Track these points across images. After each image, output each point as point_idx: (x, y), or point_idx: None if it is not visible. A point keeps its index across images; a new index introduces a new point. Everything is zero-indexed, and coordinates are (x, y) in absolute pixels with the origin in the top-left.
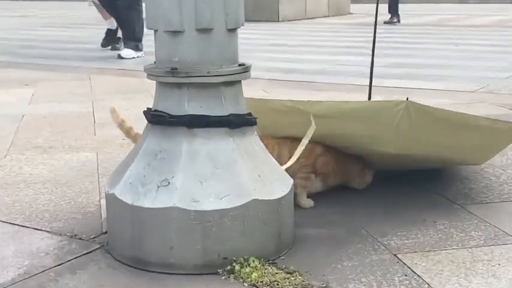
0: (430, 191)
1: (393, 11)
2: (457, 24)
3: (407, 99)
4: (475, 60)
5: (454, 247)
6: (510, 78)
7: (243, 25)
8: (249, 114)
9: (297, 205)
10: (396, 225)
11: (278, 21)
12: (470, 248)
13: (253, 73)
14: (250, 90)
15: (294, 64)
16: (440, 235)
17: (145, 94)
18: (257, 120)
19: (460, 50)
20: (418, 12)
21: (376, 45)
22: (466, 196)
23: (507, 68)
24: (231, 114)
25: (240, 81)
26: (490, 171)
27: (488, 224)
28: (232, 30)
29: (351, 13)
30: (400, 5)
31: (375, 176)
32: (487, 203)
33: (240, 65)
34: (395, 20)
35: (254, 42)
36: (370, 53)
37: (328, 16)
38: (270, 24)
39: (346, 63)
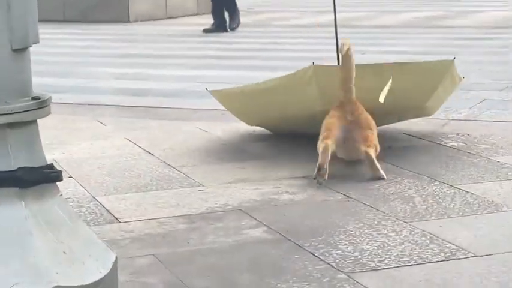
0: (307, 255)
1: (218, 15)
2: (367, 24)
3: (313, 63)
4: None
5: None
6: None
7: (37, 42)
8: (50, 166)
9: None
10: None
11: (129, 21)
12: None
13: (90, 97)
14: (81, 121)
15: (146, 83)
16: None
17: None
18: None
19: (367, 59)
20: (316, 9)
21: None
22: (356, 261)
23: None
24: (21, 168)
25: (35, 121)
26: (389, 224)
27: None
28: (21, 51)
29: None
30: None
31: (223, 233)
32: (382, 269)
33: (34, 98)
34: (221, 29)
35: (94, 53)
36: (245, 65)
37: (198, 14)
38: (117, 26)
39: (212, 80)
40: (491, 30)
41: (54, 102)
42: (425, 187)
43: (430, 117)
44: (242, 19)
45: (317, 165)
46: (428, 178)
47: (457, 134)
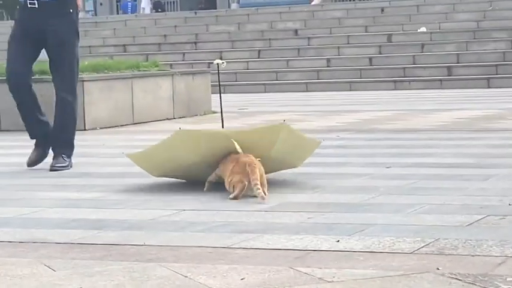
0: None
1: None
2: (393, 127)
3: (179, 128)
4: (418, 193)
5: None
6: (474, 226)
7: None
8: None
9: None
10: None
11: (84, 129)
12: None
13: (34, 232)
14: (23, 266)
15: (107, 212)
16: None
17: None
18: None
19: (394, 176)
20: (323, 108)
21: None
22: None
23: (470, 207)
24: None
25: None
26: None
27: None
28: None
29: (215, 112)
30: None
31: None
32: None
33: None
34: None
35: (39, 172)
36: None
37: (174, 118)
38: None
39: (193, 206)
40: None
41: None
42: None
43: (482, 254)
44: (233, 122)
45: (235, 195)
46: None
47: None
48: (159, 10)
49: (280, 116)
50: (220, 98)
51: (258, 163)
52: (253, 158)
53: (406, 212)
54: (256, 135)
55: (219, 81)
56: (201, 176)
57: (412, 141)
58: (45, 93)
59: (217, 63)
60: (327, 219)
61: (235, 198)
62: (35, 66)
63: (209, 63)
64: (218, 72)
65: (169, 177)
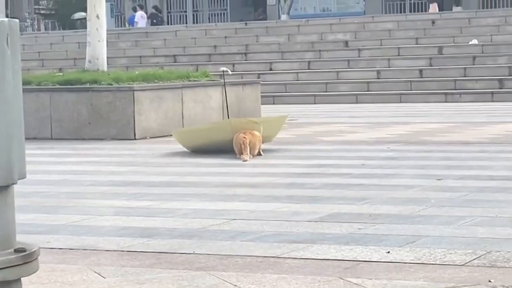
0: None
1: None
2: (446, 139)
3: (228, 117)
4: (469, 205)
5: None
6: None
7: (24, 177)
8: None
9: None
10: None
11: (134, 138)
12: None
13: (84, 239)
14: (73, 273)
15: (157, 220)
16: None
17: None
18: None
19: (445, 188)
20: (374, 120)
21: None
22: None
23: None
24: None
25: (19, 280)
26: None
27: None
28: (2, 189)
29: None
30: None
31: None
32: None
33: (17, 250)
34: None
35: (90, 180)
36: (283, 196)
37: None
38: (120, 146)
39: (245, 216)
40: None
41: (40, 247)
42: None
43: None
44: (280, 134)
45: (241, 157)
46: None
47: None
48: (154, 21)
49: (329, 127)
50: (226, 94)
51: (250, 139)
52: (247, 136)
53: (457, 224)
54: (269, 122)
55: (224, 86)
56: (223, 147)
57: (464, 154)
58: (95, 103)
59: (223, 70)
60: (377, 230)
61: (244, 159)
62: (82, 75)
63: (259, 73)
64: (224, 79)
65: (194, 148)
